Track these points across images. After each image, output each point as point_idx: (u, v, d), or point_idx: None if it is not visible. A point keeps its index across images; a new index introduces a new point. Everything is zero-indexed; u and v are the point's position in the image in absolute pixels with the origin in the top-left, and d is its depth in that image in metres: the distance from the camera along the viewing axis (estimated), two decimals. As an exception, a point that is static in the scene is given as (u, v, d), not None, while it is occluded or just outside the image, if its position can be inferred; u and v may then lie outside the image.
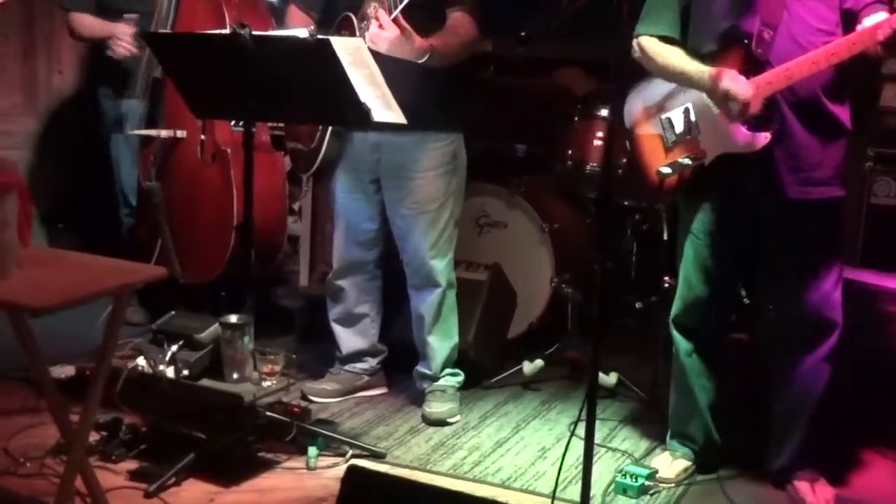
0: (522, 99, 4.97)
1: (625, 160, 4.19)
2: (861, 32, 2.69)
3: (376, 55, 3.09)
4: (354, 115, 3.02)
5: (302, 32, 3.07)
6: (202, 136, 4.08)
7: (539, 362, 3.95)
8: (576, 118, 4.32)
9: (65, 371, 3.66)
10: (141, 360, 3.22)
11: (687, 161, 3.00)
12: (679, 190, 3.09)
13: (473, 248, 4.21)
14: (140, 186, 4.31)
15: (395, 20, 3.15)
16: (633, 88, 3.25)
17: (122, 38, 4.14)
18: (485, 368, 3.97)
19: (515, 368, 3.96)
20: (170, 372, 3.18)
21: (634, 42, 3.08)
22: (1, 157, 2.84)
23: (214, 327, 3.22)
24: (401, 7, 3.14)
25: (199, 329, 3.24)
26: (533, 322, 4.26)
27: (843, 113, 2.90)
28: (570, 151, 4.29)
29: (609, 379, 3.86)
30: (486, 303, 3.97)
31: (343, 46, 2.93)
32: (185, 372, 3.17)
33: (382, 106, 3.05)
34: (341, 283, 3.73)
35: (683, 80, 2.98)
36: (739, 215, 3.01)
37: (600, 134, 4.23)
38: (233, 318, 3.16)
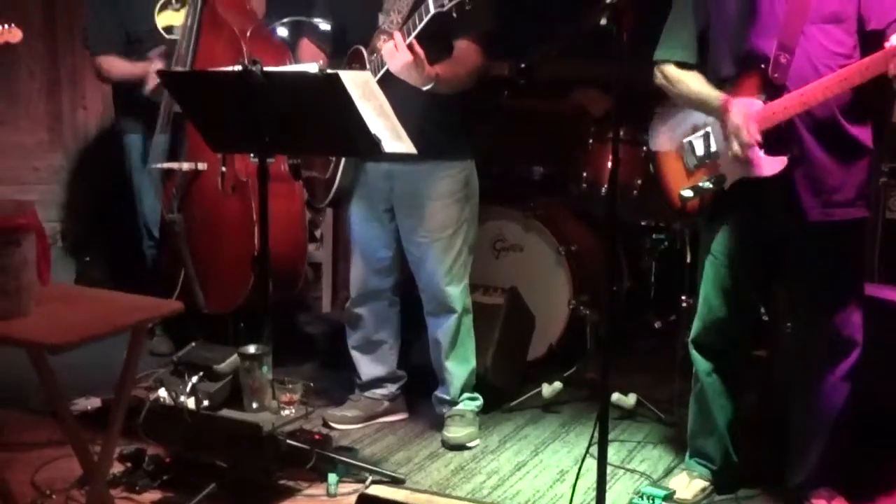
0: (538, 121, 5.01)
1: (640, 181, 4.27)
2: (873, 57, 2.68)
3: (387, 83, 3.17)
4: (366, 146, 3.07)
5: (312, 67, 3.13)
6: (223, 168, 4.13)
7: (558, 385, 3.97)
8: (590, 140, 4.37)
9: (91, 403, 3.74)
10: (162, 392, 3.26)
11: (708, 185, 3.03)
12: (701, 212, 3.12)
13: (491, 272, 4.25)
14: (163, 218, 4.38)
15: (409, 45, 3.21)
16: (657, 112, 3.30)
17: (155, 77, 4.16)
18: (504, 392, 3.99)
19: (534, 391, 3.99)
20: (190, 403, 3.21)
21: (656, 69, 3.12)
22: (19, 198, 2.92)
23: (234, 358, 3.25)
24: (416, 33, 3.20)
25: (219, 360, 3.27)
26: (552, 344, 4.29)
27: (863, 133, 2.90)
28: (585, 173, 4.34)
29: (628, 399, 3.87)
30: (504, 326, 4.00)
31: (352, 80, 2.99)
32: (206, 402, 3.21)
33: (392, 137, 3.11)
34: (359, 310, 3.79)
35: (702, 107, 3.01)
36: (760, 237, 3.02)
37: (615, 155, 4.26)
38: (251, 349, 3.20)
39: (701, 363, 3.21)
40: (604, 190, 4.27)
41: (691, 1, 3.05)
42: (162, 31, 4.34)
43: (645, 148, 4.28)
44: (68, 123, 5.16)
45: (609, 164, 4.27)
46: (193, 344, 3.45)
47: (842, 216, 2.90)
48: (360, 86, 3.01)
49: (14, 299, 2.50)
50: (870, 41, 2.79)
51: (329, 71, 3.03)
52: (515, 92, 4.94)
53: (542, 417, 3.94)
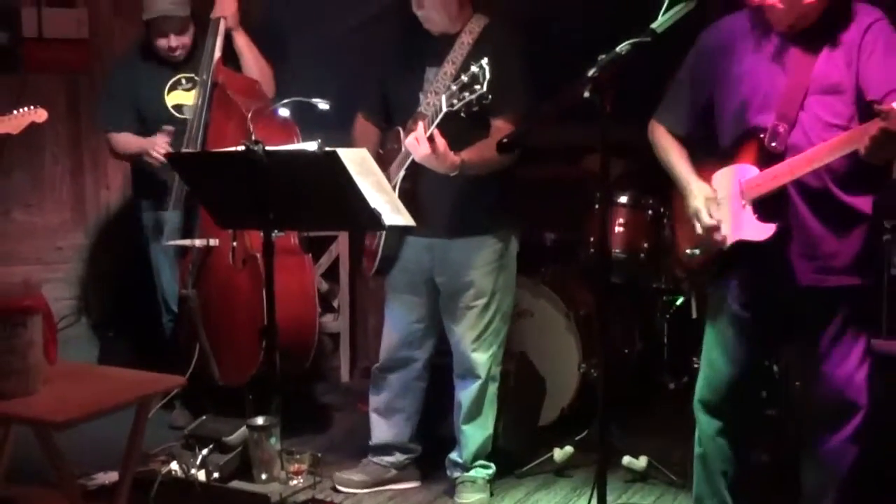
0: (550, 188, 5.08)
1: (646, 244, 4.32)
2: (854, 130, 2.71)
3: (421, 166, 3.34)
4: (366, 220, 3.16)
5: (311, 146, 3.23)
6: (234, 243, 4.23)
7: (569, 449, 3.98)
8: (596, 206, 4.43)
9: (109, 477, 3.78)
10: (174, 465, 3.35)
11: (711, 245, 3.08)
12: (707, 270, 3.15)
13: (502, 338, 4.29)
14: (180, 293, 4.48)
15: (429, 137, 3.30)
16: None
17: (159, 147, 4.30)
18: (515, 456, 4.01)
19: (546, 456, 4.00)
20: (201, 475, 3.30)
21: (650, 124, 3.19)
22: (26, 280, 3.03)
23: (243, 430, 3.34)
24: (434, 126, 3.30)
25: (228, 432, 3.37)
26: (564, 408, 4.32)
27: (859, 202, 2.88)
28: (592, 238, 4.39)
29: (639, 462, 3.88)
30: (513, 392, 4.03)
31: (349, 157, 3.09)
32: (216, 474, 3.29)
33: (392, 210, 3.20)
34: (385, 375, 3.85)
35: (675, 180, 3.10)
36: (759, 297, 3.03)
37: (621, 220, 4.34)
38: (259, 420, 3.28)
39: (706, 425, 3.19)
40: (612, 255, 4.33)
41: (690, 74, 3.11)
42: (171, 110, 4.49)
43: (650, 212, 4.35)
44: (91, 203, 5.30)
45: (616, 227, 4.36)
46: (204, 417, 3.54)
47: (836, 283, 2.89)
48: (357, 162, 3.11)
49: (22, 378, 2.60)
50: (869, 111, 2.76)
51: (327, 148, 3.14)
52: (525, 159, 5.01)
53: (554, 482, 3.95)
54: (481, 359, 3.68)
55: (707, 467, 3.21)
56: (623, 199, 4.35)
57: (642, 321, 4.73)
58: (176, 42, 4.44)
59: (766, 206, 2.88)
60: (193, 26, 4.48)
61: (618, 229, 4.33)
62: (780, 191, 2.86)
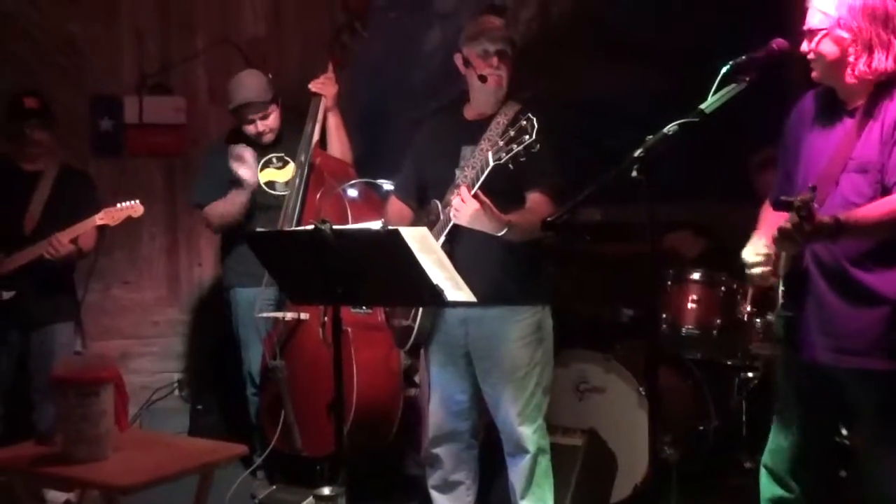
0: (628, 265, 5.12)
1: (719, 321, 4.33)
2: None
3: (458, 234, 3.41)
4: (429, 296, 3.25)
5: (375, 225, 3.36)
6: (324, 318, 4.35)
7: (638, 526, 3.98)
8: (668, 283, 4.46)
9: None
10: (244, 533, 3.46)
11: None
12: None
13: (574, 414, 4.33)
14: (264, 364, 4.63)
15: (475, 195, 3.41)
16: None
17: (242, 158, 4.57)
18: (584, 533, 4.02)
19: (616, 532, 4.01)
20: (269, 544, 3.40)
21: None
22: (99, 353, 3.22)
23: (310, 500, 3.43)
24: (480, 183, 3.42)
25: (297, 501, 3.47)
26: (637, 485, 4.30)
27: (880, 281, 2.79)
28: (664, 315, 4.42)
29: (710, 542, 3.86)
30: (583, 468, 4.05)
31: (411, 235, 3.20)
32: (282, 544, 3.39)
33: (453, 287, 3.29)
34: (437, 451, 3.91)
35: None
36: (800, 368, 2.99)
37: (694, 297, 4.37)
38: (325, 491, 3.36)
39: (765, 488, 3.12)
40: (684, 331, 4.35)
41: (782, 146, 3.14)
42: (264, 187, 4.72)
43: (723, 288, 4.37)
44: (185, 280, 5.54)
45: (689, 304, 4.40)
46: (275, 487, 3.65)
47: (854, 364, 2.80)
48: (418, 240, 3.21)
49: (94, 445, 2.76)
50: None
51: (390, 227, 3.26)
52: (602, 236, 5.08)
53: (623, 559, 3.94)
54: (527, 432, 3.71)
55: None
56: (696, 276, 4.39)
57: (717, 397, 4.69)
58: (262, 126, 4.68)
59: (791, 280, 2.90)
60: (278, 108, 4.72)
61: (690, 306, 4.38)
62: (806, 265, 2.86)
